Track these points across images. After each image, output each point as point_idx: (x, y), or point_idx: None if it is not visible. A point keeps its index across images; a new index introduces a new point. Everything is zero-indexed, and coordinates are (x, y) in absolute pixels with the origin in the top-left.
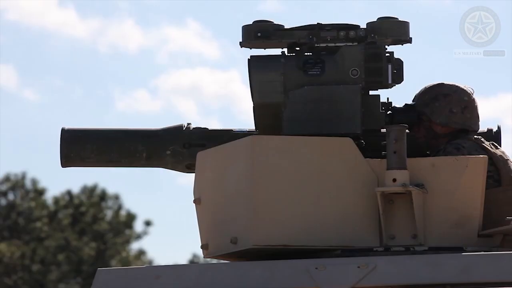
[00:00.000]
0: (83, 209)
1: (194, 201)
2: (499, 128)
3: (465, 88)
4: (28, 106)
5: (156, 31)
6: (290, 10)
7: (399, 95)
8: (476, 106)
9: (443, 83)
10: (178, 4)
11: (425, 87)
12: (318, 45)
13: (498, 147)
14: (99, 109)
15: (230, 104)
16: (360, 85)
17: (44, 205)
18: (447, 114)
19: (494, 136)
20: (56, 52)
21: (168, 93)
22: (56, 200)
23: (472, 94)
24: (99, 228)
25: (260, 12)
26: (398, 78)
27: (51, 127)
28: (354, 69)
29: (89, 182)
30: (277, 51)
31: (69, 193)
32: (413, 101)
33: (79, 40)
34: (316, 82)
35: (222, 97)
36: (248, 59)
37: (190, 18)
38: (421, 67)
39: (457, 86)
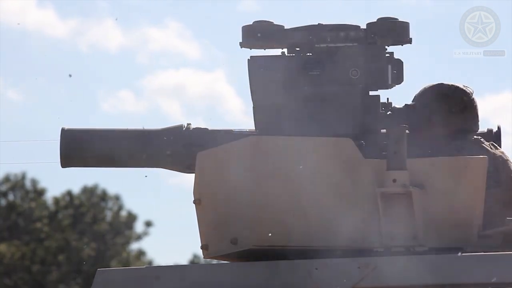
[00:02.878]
0: (83, 209)
1: (194, 202)
2: (499, 128)
3: (464, 88)
4: (13, 106)
5: (137, 31)
6: (268, 10)
7: (399, 95)
8: (476, 106)
9: (442, 83)
10: (157, 4)
11: (425, 87)
12: (318, 46)
13: (498, 147)
14: (84, 109)
15: (215, 104)
16: (360, 85)
17: (44, 206)
18: (446, 114)
19: (494, 136)
20: (38, 52)
21: (152, 94)
22: (56, 201)
23: (472, 94)
24: (99, 228)
25: (240, 12)
26: (398, 78)
27: (43, 127)
28: (354, 70)
29: (90, 183)
30: (277, 52)
31: (69, 193)
32: (413, 101)
33: (59, 40)
34: (316, 82)
35: (207, 98)
36: (248, 59)
37: (170, 18)
38: (421, 67)
39: (456, 86)
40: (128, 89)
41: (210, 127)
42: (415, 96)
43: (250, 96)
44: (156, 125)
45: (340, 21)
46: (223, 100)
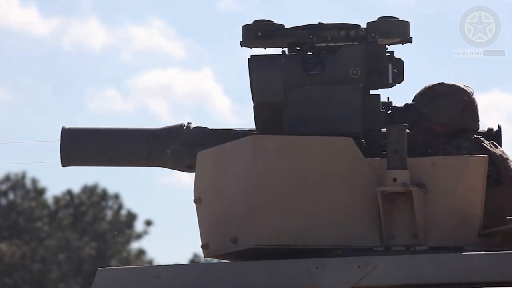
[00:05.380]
0: (83, 208)
1: (195, 201)
2: (499, 127)
3: (465, 88)
4: (3, 105)
5: (121, 29)
6: (248, 9)
7: (399, 95)
8: (476, 105)
9: (443, 83)
10: (140, 2)
11: (425, 87)
12: (319, 45)
13: (498, 146)
14: (71, 108)
15: (203, 103)
16: (361, 84)
17: (44, 205)
18: (447, 114)
19: (495, 135)
20: (21, 51)
21: (139, 93)
22: (57, 200)
23: (472, 93)
24: (99, 228)
25: (222, 11)
26: (398, 77)
27: (33, 126)
28: (355, 69)
29: (90, 182)
30: (277, 51)
31: (69, 192)
32: (413, 100)
33: (42, 39)
34: (317, 81)
35: (195, 97)
36: (249, 58)
37: (152, 16)
38: (421, 67)
39: (457, 86)
40: (115, 88)
41: (210, 126)
42: (415, 96)
43: (251, 95)
44: (145, 124)
45: (326, 20)
46: (210, 99)
